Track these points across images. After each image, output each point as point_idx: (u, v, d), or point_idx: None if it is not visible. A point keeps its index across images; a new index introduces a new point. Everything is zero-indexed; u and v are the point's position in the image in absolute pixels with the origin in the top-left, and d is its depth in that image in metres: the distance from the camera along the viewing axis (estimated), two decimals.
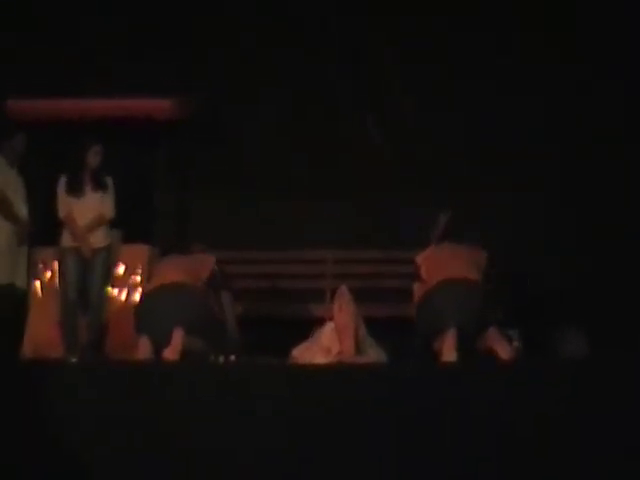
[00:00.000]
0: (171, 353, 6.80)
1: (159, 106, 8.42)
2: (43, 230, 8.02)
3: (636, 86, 8.72)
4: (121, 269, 8.15)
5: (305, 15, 9.24)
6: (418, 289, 7.08)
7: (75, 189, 7.71)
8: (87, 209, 7.69)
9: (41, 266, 8.19)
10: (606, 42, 8.76)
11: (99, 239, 7.71)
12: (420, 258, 7.13)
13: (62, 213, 7.73)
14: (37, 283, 8.18)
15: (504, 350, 6.71)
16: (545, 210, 8.69)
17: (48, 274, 8.16)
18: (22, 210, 7.83)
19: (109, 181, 7.80)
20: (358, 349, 6.99)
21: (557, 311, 8.20)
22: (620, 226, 8.49)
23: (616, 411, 5.52)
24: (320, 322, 7.50)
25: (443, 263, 6.96)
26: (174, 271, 7.11)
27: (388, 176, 9.02)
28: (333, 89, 9.25)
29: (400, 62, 9.19)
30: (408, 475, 5.50)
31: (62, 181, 7.75)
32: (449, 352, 6.60)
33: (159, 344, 6.89)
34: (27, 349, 7.94)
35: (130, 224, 8.25)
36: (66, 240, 7.71)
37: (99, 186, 7.74)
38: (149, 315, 6.98)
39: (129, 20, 9.20)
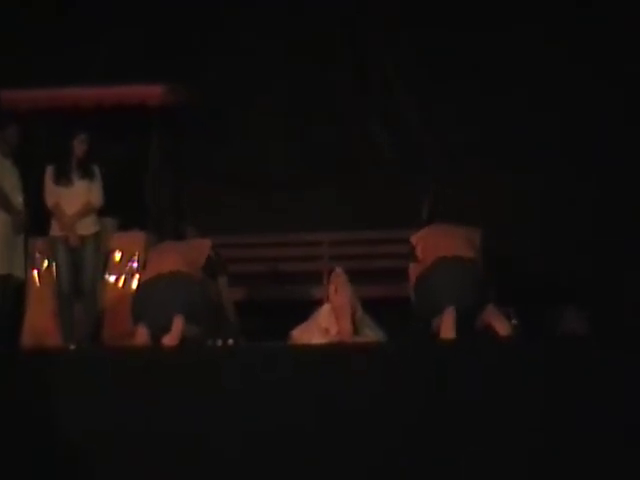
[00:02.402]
0: (171, 340, 6.80)
1: (152, 92, 8.40)
2: (40, 220, 8.02)
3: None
4: (117, 256, 8.16)
5: (303, 8, 9.26)
6: (414, 269, 7.07)
7: (62, 178, 7.73)
8: (75, 198, 7.72)
9: (38, 256, 8.19)
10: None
11: (87, 227, 7.74)
12: (415, 238, 7.12)
13: (50, 202, 7.75)
14: (34, 273, 8.18)
15: (502, 327, 6.71)
16: (544, 189, 8.69)
17: (45, 263, 8.15)
18: (18, 200, 7.83)
19: (96, 169, 7.83)
20: (355, 329, 7.01)
21: (555, 289, 8.21)
22: (621, 205, 8.48)
23: (613, 389, 5.52)
24: (318, 303, 7.52)
25: (438, 242, 6.95)
26: (170, 259, 7.08)
27: (384, 158, 9.05)
28: (330, 77, 9.26)
29: (402, 55, 9.22)
30: (406, 453, 5.51)
31: (49, 171, 7.78)
32: (447, 330, 6.59)
33: (156, 332, 6.89)
34: (26, 338, 7.96)
35: (126, 211, 8.26)
36: (55, 230, 7.74)
37: (86, 174, 7.77)
38: (146, 304, 6.96)
39: (123, 9, 9.18)
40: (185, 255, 7.13)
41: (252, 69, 9.14)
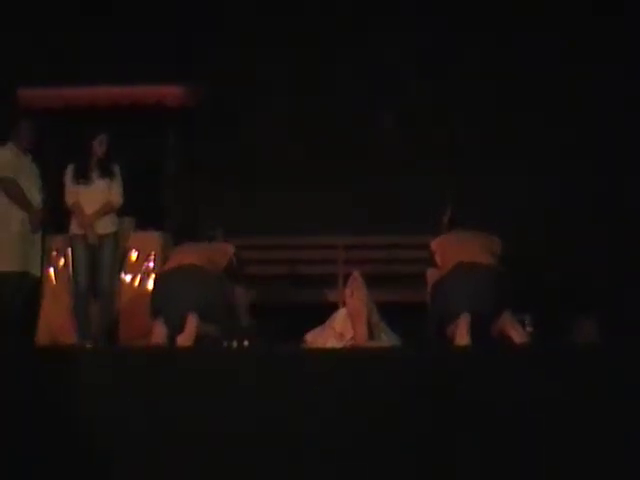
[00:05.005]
0: (185, 339, 6.81)
1: (170, 93, 8.42)
2: (57, 217, 8.04)
3: None
4: (134, 256, 8.18)
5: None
6: (432, 275, 7.08)
7: (82, 177, 7.77)
8: (94, 197, 7.75)
9: (55, 253, 8.21)
10: None
11: (106, 226, 7.77)
12: (434, 244, 7.11)
13: (69, 201, 7.79)
14: (51, 270, 8.20)
15: (518, 335, 6.70)
16: (559, 195, 8.68)
17: (62, 261, 8.17)
18: (36, 197, 7.85)
19: (116, 169, 7.86)
20: (371, 334, 7.01)
21: (569, 297, 8.20)
22: (635, 212, 8.48)
23: (629, 398, 5.51)
24: (333, 307, 7.52)
25: (457, 249, 6.94)
26: (191, 255, 7.12)
27: (400, 162, 9.05)
28: (345, 77, 9.27)
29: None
30: (419, 458, 5.51)
31: (69, 170, 7.82)
32: (462, 337, 6.59)
33: (174, 327, 6.89)
34: (42, 336, 7.98)
35: (143, 211, 8.28)
36: (74, 228, 7.77)
37: (106, 174, 7.80)
38: (165, 295, 6.98)
39: (138, 7, 9.22)
40: (207, 255, 7.16)
41: (262, 56, 9.17)
